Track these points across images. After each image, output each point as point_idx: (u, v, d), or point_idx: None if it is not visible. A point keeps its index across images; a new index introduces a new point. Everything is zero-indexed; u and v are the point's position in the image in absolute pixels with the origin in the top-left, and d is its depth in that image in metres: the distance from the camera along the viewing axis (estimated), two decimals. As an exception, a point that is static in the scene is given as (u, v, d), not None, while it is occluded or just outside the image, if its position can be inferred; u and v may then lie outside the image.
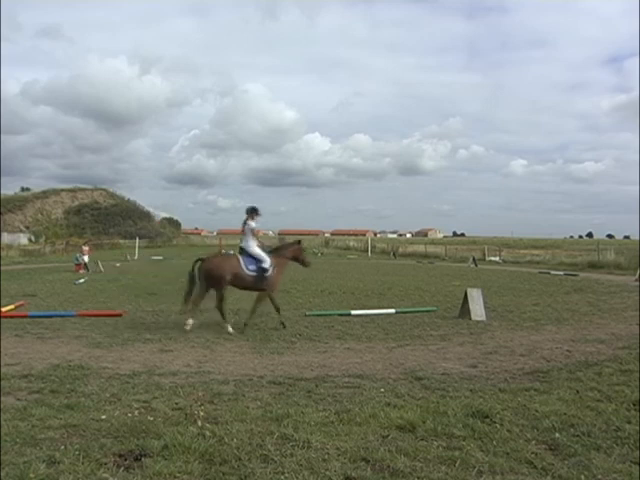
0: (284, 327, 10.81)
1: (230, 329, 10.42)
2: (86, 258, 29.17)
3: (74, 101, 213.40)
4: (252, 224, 11.16)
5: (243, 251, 11.09)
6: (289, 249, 11.91)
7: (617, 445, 4.45)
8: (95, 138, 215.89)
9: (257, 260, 10.94)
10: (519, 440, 4.57)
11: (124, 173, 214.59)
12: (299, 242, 12.39)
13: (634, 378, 6.68)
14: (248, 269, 10.83)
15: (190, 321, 10.55)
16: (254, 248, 11.04)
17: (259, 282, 10.94)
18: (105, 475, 3.81)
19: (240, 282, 10.96)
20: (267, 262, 10.95)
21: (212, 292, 10.84)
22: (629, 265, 28.95)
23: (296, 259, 11.85)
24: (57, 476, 3.78)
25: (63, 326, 10.64)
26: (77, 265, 28.50)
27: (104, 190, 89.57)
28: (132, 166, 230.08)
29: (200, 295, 10.83)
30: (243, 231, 11.25)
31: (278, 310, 11.15)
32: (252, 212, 11.26)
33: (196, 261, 11.02)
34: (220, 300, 10.84)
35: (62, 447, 4.31)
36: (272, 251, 11.46)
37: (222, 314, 10.84)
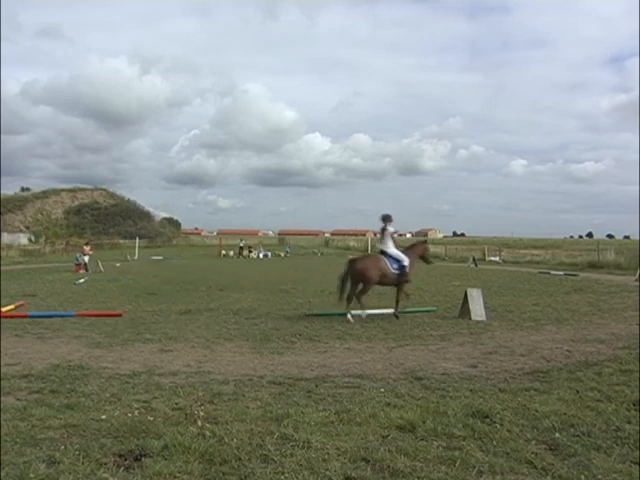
0: (397, 318, 12.14)
1: (365, 314, 12.09)
2: (86, 258, 29.15)
3: (74, 101, 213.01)
4: (390, 228, 12.76)
5: (384, 253, 12.56)
6: (418, 247, 13.48)
7: (617, 445, 4.45)
8: (95, 138, 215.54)
9: (397, 260, 12.43)
10: (519, 440, 4.57)
11: (124, 173, 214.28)
12: (425, 242, 14.46)
13: (634, 378, 6.68)
14: (393, 268, 12.33)
15: (349, 316, 11.90)
16: (394, 249, 12.59)
17: (400, 278, 12.45)
18: (105, 475, 3.81)
19: (386, 280, 12.47)
20: (406, 260, 12.49)
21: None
22: (629, 265, 28.92)
23: (422, 257, 13.46)
24: (57, 476, 3.78)
25: (63, 326, 10.64)
26: (77, 265, 28.52)
27: (104, 190, 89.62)
28: (132, 166, 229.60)
29: (352, 291, 12.34)
30: (382, 235, 12.94)
31: (398, 303, 12.55)
32: (388, 218, 12.81)
33: (349, 262, 12.70)
34: (363, 293, 12.39)
35: (62, 447, 4.30)
36: (404, 250, 12.92)
37: (360, 304, 12.25)
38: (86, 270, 27.62)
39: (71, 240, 61.65)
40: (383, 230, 12.76)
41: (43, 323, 10.91)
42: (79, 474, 3.82)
